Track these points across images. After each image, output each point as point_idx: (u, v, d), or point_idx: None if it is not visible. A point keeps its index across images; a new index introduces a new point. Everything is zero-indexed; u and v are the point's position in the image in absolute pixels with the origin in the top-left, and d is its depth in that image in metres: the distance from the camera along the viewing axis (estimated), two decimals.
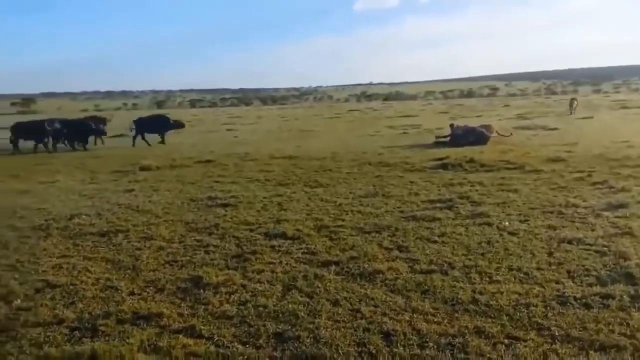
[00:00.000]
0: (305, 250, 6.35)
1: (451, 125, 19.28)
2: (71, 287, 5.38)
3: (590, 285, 4.96)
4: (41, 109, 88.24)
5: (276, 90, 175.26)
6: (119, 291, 5.26)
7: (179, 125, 23.09)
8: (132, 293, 5.21)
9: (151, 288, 5.35)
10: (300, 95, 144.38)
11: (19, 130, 21.20)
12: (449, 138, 18.15)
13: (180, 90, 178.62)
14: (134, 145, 21.31)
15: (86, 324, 4.50)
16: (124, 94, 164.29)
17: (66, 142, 21.69)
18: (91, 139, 22.20)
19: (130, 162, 15.16)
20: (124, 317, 4.62)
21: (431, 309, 4.61)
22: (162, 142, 21.93)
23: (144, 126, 22.08)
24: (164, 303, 4.93)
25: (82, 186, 11.56)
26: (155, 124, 22.48)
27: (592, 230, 6.71)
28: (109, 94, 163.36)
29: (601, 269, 5.36)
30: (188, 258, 6.25)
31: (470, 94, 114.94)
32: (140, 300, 4.99)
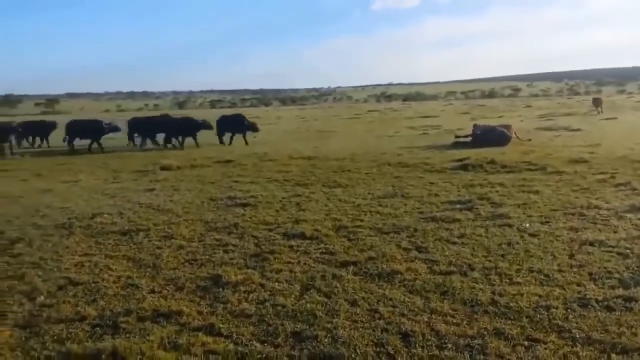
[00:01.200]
0: (324, 251, 6.36)
1: (474, 125, 19.11)
2: (93, 284, 5.46)
3: (613, 287, 4.89)
4: (65, 109, 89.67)
5: (295, 90, 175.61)
6: (140, 289, 5.33)
7: (253, 128, 22.62)
8: (152, 291, 5.28)
9: (171, 286, 5.41)
10: (320, 95, 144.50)
11: (74, 129, 21.18)
12: (469, 138, 17.99)
13: (201, 91, 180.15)
14: (222, 143, 21.52)
15: (107, 321, 4.57)
16: (146, 94, 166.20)
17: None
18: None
19: (152, 161, 15.32)
20: (145, 314, 4.68)
21: (450, 310, 4.58)
22: (245, 141, 21.52)
23: (224, 126, 22.05)
24: (183, 301, 4.98)
25: (105, 185, 11.73)
26: (234, 124, 22.31)
27: (615, 232, 6.61)
28: (132, 95, 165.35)
29: (624, 271, 5.27)
30: (207, 257, 6.31)
31: (491, 95, 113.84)
32: (161, 298, 5.05)
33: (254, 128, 22.40)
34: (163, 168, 13.96)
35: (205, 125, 21.37)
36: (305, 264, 5.94)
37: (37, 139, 24.14)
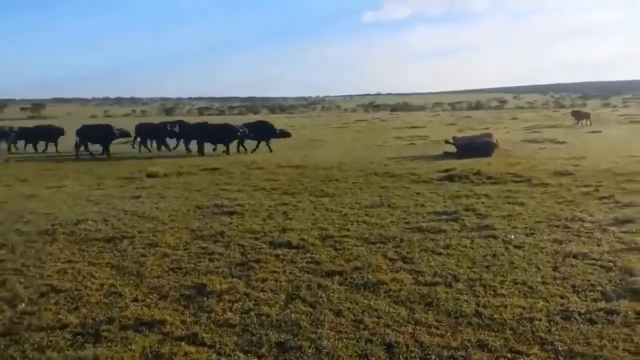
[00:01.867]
0: (310, 260, 6.35)
1: (453, 138, 19.22)
2: (75, 292, 5.41)
3: (595, 300, 4.93)
4: (51, 114, 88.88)
5: (284, 99, 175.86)
6: (123, 297, 5.28)
7: (285, 134, 22.61)
8: (135, 299, 5.23)
9: (155, 295, 5.36)
10: (309, 104, 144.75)
11: (84, 134, 21.01)
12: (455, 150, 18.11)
13: (189, 98, 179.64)
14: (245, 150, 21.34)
15: (89, 330, 4.52)
16: (133, 100, 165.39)
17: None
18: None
19: (138, 168, 15.24)
20: (127, 323, 4.64)
21: (434, 322, 4.59)
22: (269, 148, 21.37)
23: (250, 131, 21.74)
24: (167, 310, 4.94)
25: (89, 192, 11.63)
26: (259, 130, 22.04)
27: (598, 245, 6.67)
28: (119, 101, 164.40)
29: (606, 284, 5.32)
30: (192, 265, 6.27)
31: (478, 106, 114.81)
32: (144, 307, 5.01)
33: (284, 134, 22.45)
34: (149, 175, 13.87)
35: (244, 134, 21.15)
36: (291, 273, 5.92)
37: (43, 144, 24.06)
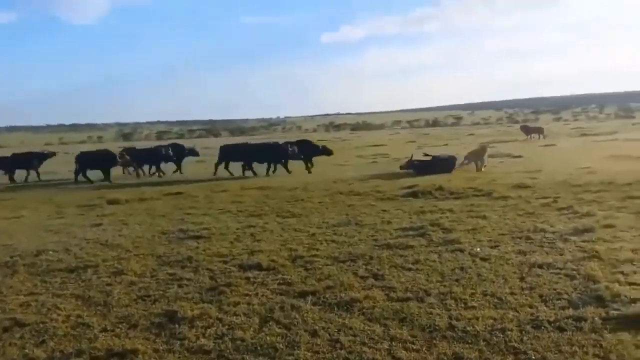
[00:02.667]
0: (281, 281, 6.32)
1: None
2: (41, 325, 5.22)
3: (563, 308, 5.06)
4: (4, 143, 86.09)
5: (245, 121, 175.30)
6: (91, 328, 5.12)
7: (327, 151, 22.32)
8: (104, 330, 5.08)
9: (124, 324, 5.22)
10: (269, 125, 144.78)
11: (84, 160, 20.63)
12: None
13: (148, 122, 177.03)
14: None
15: None
16: (89, 126, 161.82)
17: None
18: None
19: (98, 195, 14.90)
20: (97, 354, 4.51)
21: (409, 337, 4.63)
22: (310, 167, 21.05)
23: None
24: (138, 339, 4.82)
25: (49, 221, 11.28)
26: (303, 149, 21.52)
27: (561, 254, 6.87)
28: (74, 127, 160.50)
29: (572, 292, 5.48)
30: (161, 292, 6.14)
31: (435, 123, 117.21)
32: (114, 337, 4.87)
33: (327, 152, 22.20)
34: (110, 202, 13.55)
35: (294, 154, 20.86)
36: (263, 295, 5.87)
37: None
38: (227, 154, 21.10)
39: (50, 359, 4.47)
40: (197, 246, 8.30)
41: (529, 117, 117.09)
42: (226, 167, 20.61)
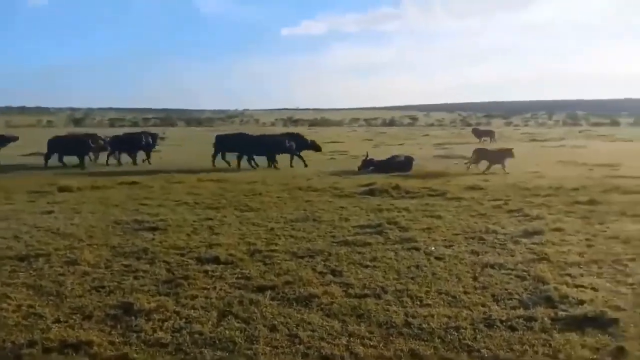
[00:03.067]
0: (240, 275, 6.30)
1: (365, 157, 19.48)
2: None
3: (514, 308, 5.26)
4: None
5: (201, 111, 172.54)
6: (44, 318, 4.99)
7: (315, 147, 21.90)
8: (57, 320, 4.96)
9: (78, 315, 5.11)
10: (227, 117, 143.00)
11: (56, 146, 19.94)
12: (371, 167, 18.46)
13: (100, 109, 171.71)
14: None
15: (9, 354, 4.26)
16: (39, 110, 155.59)
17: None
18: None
19: (48, 182, 14.41)
20: (51, 345, 4.40)
21: (367, 333, 4.71)
22: (303, 160, 20.41)
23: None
24: (93, 331, 4.72)
25: None
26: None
27: (512, 255, 7.12)
28: (23, 110, 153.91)
29: (523, 292, 5.70)
30: (116, 284, 6.03)
31: (392, 123, 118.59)
32: (68, 328, 4.76)
33: (315, 147, 21.75)
34: (61, 189, 13.14)
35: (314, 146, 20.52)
36: (221, 289, 5.84)
37: None
38: (222, 145, 20.60)
39: (1, 349, 4.33)
40: (153, 238, 8.17)
41: (482, 120, 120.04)
42: (223, 158, 20.27)
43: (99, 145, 20.76)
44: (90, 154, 20.76)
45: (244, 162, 20.02)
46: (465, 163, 18.84)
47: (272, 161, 20.05)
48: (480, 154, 18.79)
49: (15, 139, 24.04)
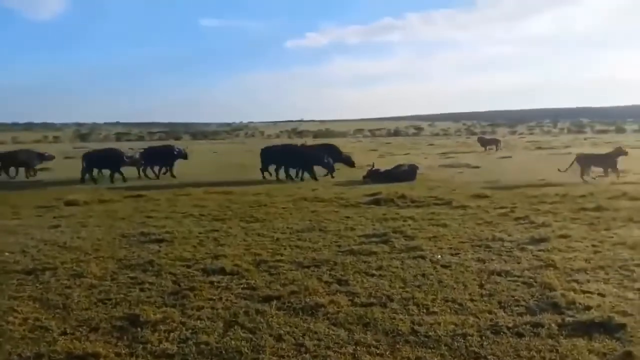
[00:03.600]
0: (245, 286, 6.31)
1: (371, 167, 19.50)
2: None
3: (521, 314, 5.24)
4: None
5: (207, 125, 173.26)
6: (50, 331, 5.01)
7: (349, 162, 21.89)
8: (64, 333, 4.98)
9: (84, 327, 5.13)
10: (232, 130, 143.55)
11: (91, 160, 20.09)
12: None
13: (106, 123, 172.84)
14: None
15: None
16: (45, 125, 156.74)
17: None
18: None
19: (55, 196, 14.50)
20: (57, 358, 4.43)
21: (373, 341, 4.70)
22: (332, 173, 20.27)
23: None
24: (99, 342, 4.74)
25: (4, 222, 10.91)
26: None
27: (518, 262, 7.10)
28: (29, 126, 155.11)
29: (529, 299, 5.67)
30: (122, 296, 6.05)
31: (396, 133, 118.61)
32: (74, 340, 4.77)
33: (348, 162, 21.65)
34: (68, 203, 13.22)
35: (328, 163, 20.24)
36: (227, 300, 5.85)
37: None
38: (269, 157, 20.28)
39: None
40: (159, 250, 8.19)
41: (486, 129, 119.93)
42: (275, 170, 19.84)
43: (134, 159, 20.98)
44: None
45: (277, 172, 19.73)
46: (564, 170, 17.43)
47: (311, 173, 19.66)
48: (584, 161, 17.35)
49: (51, 157, 24.02)
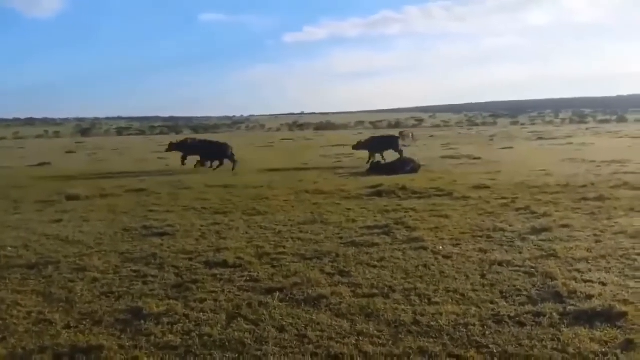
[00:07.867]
0: (248, 278, 6.33)
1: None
2: (0, 322, 5.09)
3: (523, 304, 5.25)
4: None
5: (207, 118, 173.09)
6: (54, 325, 5.03)
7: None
8: (67, 326, 5.00)
9: (88, 320, 5.15)
10: (233, 124, 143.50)
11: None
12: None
13: (107, 118, 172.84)
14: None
15: None
16: (46, 121, 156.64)
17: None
18: None
19: (56, 191, 14.50)
20: (61, 350, 4.43)
21: (376, 332, 4.72)
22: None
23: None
24: (103, 335, 4.76)
25: (5, 217, 10.94)
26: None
27: (520, 253, 7.11)
28: (30, 121, 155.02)
29: (531, 288, 5.68)
30: (125, 289, 6.07)
31: (397, 125, 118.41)
32: (78, 333, 4.80)
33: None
34: (69, 198, 13.24)
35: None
36: (229, 292, 5.87)
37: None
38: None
39: (12, 355, 4.37)
40: (162, 243, 8.22)
41: (488, 120, 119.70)
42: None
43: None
44: None
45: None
46: None
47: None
48: None
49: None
